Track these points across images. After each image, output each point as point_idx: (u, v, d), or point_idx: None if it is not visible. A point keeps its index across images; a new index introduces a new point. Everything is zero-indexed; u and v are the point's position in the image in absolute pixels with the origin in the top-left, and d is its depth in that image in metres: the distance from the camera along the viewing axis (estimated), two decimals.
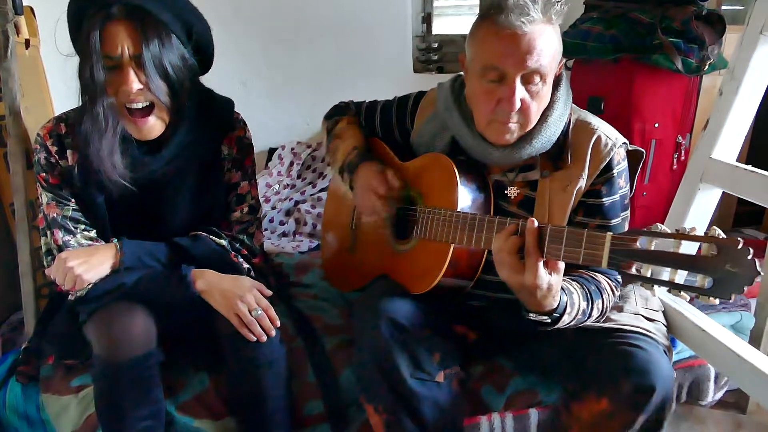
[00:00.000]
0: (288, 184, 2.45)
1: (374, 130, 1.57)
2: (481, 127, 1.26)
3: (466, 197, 1.29)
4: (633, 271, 0.95)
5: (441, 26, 2.87)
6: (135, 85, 1.21)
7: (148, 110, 1.26)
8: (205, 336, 1.35)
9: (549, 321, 1.13)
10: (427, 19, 2.71)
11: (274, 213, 2.33)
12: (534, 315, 1.13)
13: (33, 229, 1.69)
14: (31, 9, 1.92)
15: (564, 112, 1.27)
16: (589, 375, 1.17)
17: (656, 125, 2.06)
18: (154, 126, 1.28)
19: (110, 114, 1.24)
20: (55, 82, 1.94)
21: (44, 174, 1.33)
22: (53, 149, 1.32)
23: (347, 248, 1.63)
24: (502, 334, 1.42)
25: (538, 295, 1.07)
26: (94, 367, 1.25)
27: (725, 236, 0.87)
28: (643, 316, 1.33)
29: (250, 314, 1.26)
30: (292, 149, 2.57)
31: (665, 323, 1.38)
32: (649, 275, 0.93)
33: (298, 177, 2.49)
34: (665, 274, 0.91)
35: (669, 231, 0.92)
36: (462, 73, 1.34)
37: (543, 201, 1.28)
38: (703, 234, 0.88)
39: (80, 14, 1.23)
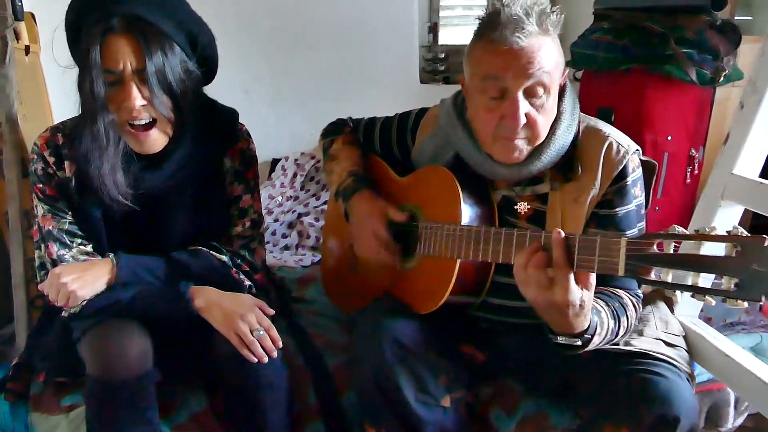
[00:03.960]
0: (291, 196, 2.41)
1: (373, 147, 1.53)
2: (487, 146, 1.22)
3: (469, 210, 1.25)
4: (652, 276, 0.90)
5: (447, 36, 2.84)
6: (138, 101, 1.17)
7: (150, 124, 1.21)
8: (202, 354, 1.30)
9: (579, 344, 1.07)
10: (434, 29, 2.69)
11: (276, 225, 2.30)
12: (564, 338, 1.07)
13: (27, 239, 1.66)
14: (32, 15, 1.90)
15: (572, 123, 1.23)
16: (607, 403, 1.12)
17: (669, 138, 2.02)
18: (157, 140, 1.23)
19: (111, 131, 1.20)
20: (56, 89, 1.91)
21: (41, 185, 1.29)
22: (50, 160, 1.28)
23: (348, 267, 1.58)
24: (511, 354, 1.36)
25: (569, 313, 1.01)
26: (86, 387, 1.20)
27: (748, 234, 0.82)
28: (663, 341, 1.28)
29: (252, 334, 1.21)
30: (296, 160, 2.54)
31: (686, 348, 1.33)
32: (670, 280, 0.89)
33: (302, 188, 2.46)
34: (687, 278, 0.87)
35: (688, 232, 0.88)
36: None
37: (555, 214, 1.24)
38: (725, 233, 0.84)
39: (78, 25, 1.19)
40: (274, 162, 2.64)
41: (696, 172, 2.08)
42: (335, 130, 1.58)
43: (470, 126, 1.27)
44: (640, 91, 1.98)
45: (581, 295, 1.00)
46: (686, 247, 0.87)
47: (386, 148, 1.51)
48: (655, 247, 0.91)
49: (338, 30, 2.57)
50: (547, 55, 1.13)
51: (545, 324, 1.08)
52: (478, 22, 1.18)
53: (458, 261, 1.21)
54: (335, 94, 2.61)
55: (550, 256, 1.00)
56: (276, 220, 2.32)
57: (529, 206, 1.27)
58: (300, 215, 2.36)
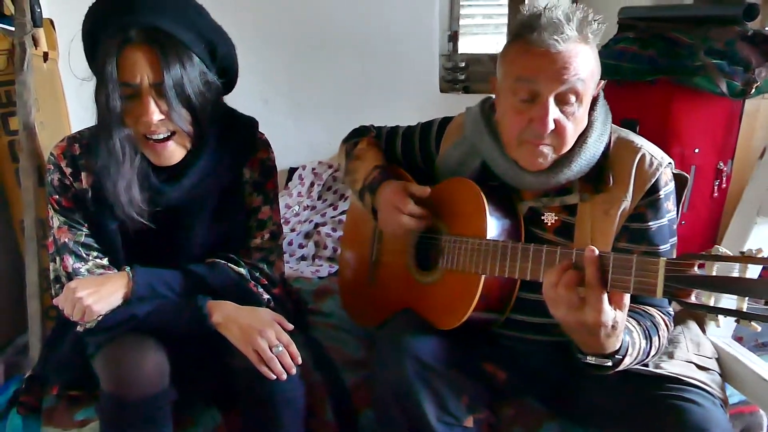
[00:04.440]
0: (308, 206, 2.39)
1: (394, 156, 1.50)
2: (511, 149, 1.19)
3: (495, 224, 1.22)
4: (693, 299, 0.87)
5: (467, 45, 2.81)
6: (156, 115, 1.14)
7: (168, 138, 1.19)
8: (218, 370, 1.28)
9: (610, 364, 1.03)
10: (454, 38, 2.66)
11: (293, 235, 2.27)
12: (593, 358, 1.03)
13: (42, 249, 1.65)
14: (51, 21, 1.89)
15: (603, 132, 1.20)
16: (638, 430, 1.09)
17: (696, 150, 1.97)
18: (175, 152, 1.21)
19: (128, 145, 1.17)
20: (73, 99, 1.90)
21: (57, 196, 1.27)
22: (67, 170, 1.26)
23: (366, 280, 1.56)
24: (534, 373, 1.32)
25: (601, 334, 0.97)
26: (100, 403, 1.18)
27: None
28: (695, 364, 1.23)
29: (271, 350, 1.18)
30: (313, 169, 2.52)
31: (719, 371, 1.28)
32: (712, 304, 0.85)
33: (319, 198, 2.43)
34: (730, 302, 0.83)
35: (731, 254, 0.84)
36: (491, 95, 1.28)
37: (583, 227, 1.20)
38: None
39: (96, 36, 1.16)
40: (292, 171, 2.62)
41: (724, 186, 2.03)
42: (357, 135, 1.56)
43: (497, 133, 1.24)
44: (667, 103, 1.94)
45: (614, 315, 0.97)
46: (729, 270, 0.83)
47: (408, 157, 1.48)
48: (696, 268, 0.87)
49: (358, 40, 2.55)
50: (584, 63, 1.10)
51: (573, 343, 1.05)
52: (517, 22, 1.15)
53: (483, 277, 1.18)
54: (354, 103, 2.59)
55: (582, 274, 0.97)
56: (292, 230, 2.29)
57: (556, 217, 1.24)
58: (317, 225, 2.34)
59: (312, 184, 2.46)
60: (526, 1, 2.68)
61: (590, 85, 1.13)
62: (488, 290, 1.20)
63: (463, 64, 2.64)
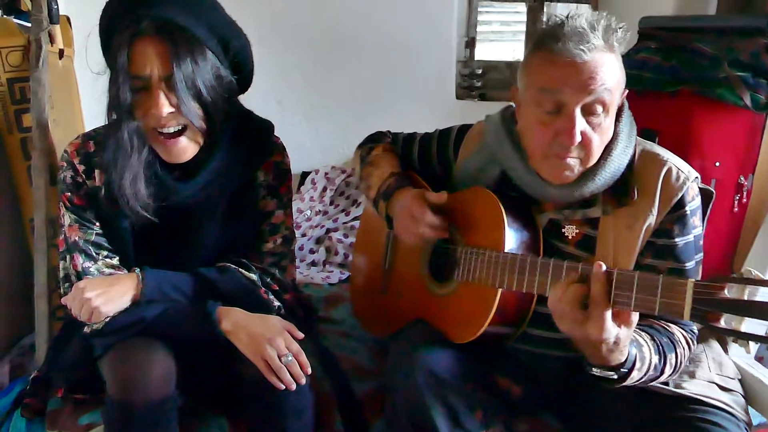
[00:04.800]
0: (320, 210, 2.36)
1: (411, 163, 1.48)
2: (536, 162, 1.17)
3: (513, 236, 1.20)
4: (722, 324, 0.84)
5: (483, 52, 2.79)
6: (165, 108, 1.13)
7: (179, 132, 1.18)
8: (226, 377, 1.26)
9: (615, 377, 1.02)
10: (470, 44, 2.64)
11: (304, 240, 2.25)
12: (598, 370, 1.02)
13: (51, 248, 1.63)
14: (67, 18, 1.88)
15: (629, 145, 1.17)
16: None
17: (717, 164, 1.93)
18: (186, 148, 1.19)
19: (136, 138, 1.16)
20: (88, 95, 1.89)
21: (69, 194, 1.26)
22: (80, 168, 1.25)
23: (378, 289, 1.53)
24: (550, 388, 1.30)
25: (603, 349, 0.97)
26: (106, 408, 1.16)
27: None
28: (717, 384, 1.20)
29: (280, 360, 1.15)
30: (326, 174, 2.50)
31: (742, 393, 1.25)
32: (743, 330, 0.82)
33: (331, 203, 2.41)
34: (763, 328, 0.81)
35: (764, 278, 0.82)
36: (512, 104, 1.25)
37: (606, 241, 1.17)
38: None
39: (111, 29, 1.16)
40: (304, 175, 2.60)
41: (744, 200, 1.99)
42: (373, 140, 1.54)
43: (519, 142, 1.22)
44: (688, 114, 1.90)
45: (617, 333, 0.95)
46: (763, 295, 0.80)
47: (425, 165, 1.46)
48: (726, 291, 0.84)
49: (375, 43, 2.53)
50: (610, 72, 1.08)
51: (583, 354, 1.03)
52: (540, 32, 1.14)
53: (500, 290, 1.16)
54: (369, 108, 2.57)
55: (588, 289, 0.96)
56: (303, 235, 2.27)
57: (577, 230, 1.21)
58: (328, 230, 2.31)
59: (324, 189, 2.44)
60: (545, 9, 2.65)
61: (616, 95, 1.11)
62: (505, 304, 1.18)
63: (479, 71, 2.62)
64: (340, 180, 2.47)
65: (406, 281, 1.45)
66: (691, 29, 1.96)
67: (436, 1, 2.48)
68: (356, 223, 2.30)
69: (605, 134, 1.12)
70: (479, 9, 2.67)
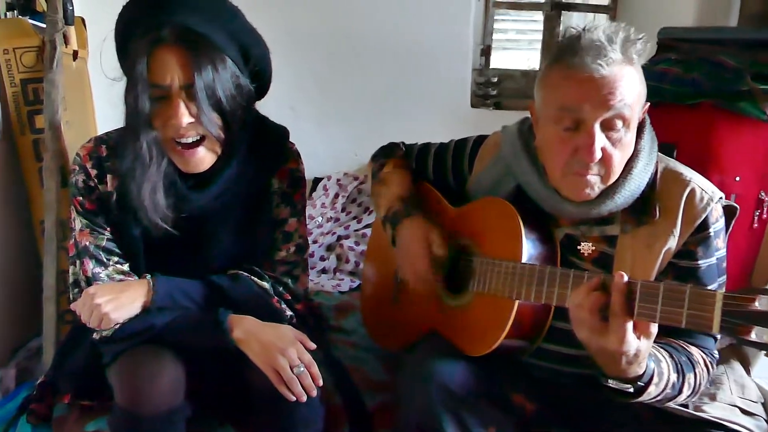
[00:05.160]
0: (331, 217, 2.34)
1: (425, 174, 1.46)
2: (555, 180, 1.14)
3: (530, 248, 1.17)
4: (753, 337, 0.82)
5: (497, 60, 2.77)
6: (185, 118, 1.11)
7: (197, 142, 1.16)
8: (235, 386, 1.23)
9: (632, 391, 0.99)
10: (486, 52, 2.62)
11: (315, 247, 2.23)
12: (614, 382, 0.99)
13: (61, 250, 1.61)
14: (82, 20, 1.88)
15: (650, 162, 1.14)
16: None
17: (737, 179, 1.89)
18: (204, 158, 1.17)
19: (155, 148, 1.14)
20: (101, 98, 1.88)
21: (80, 198, 1.24)
22: (93, 172, 1.23)
23: (390, 300, 1.50)
24: (565, 406, 1.26)
25: (621, 361, 0.94)
26: (113, 417, 1.14)
27: None
28: (739, 407, 1.18)
29: (291, 370, 1.13)
30: (338, 180, 2.47)
31: (766, 417, 1.22)
32: None
33: (343, 210, 2.38)
34: None
35: None
36: (528, 116, 1.23)
37: (623, 260, 1.15)
38: None
39: (128, 35, 1.14)
40: (316, 181, 2.59)
41: (765, 216, 1.96)
42: (386, 154, 1.52)
43: (536, 157, 1.19)
44: (708, 128, 1.87)
45: (637, 345, 0.93)
46: None
47: (440, 176, 1.44)
48: (757, 303, 0.82)
49: (390, 50, 2.51)
50: (630, 86, 1.05)
51: (597, 365, 1.01)
52: (556, 46, 1.11)
53: (516, 302, 1.13)
54: (382, 115, 2.55)
55: (609, 299, 0.94)
56: (314, 242, 2.25)
57: (594, 247, 1.18)
58: (340, 238, 2.29)
59: (336, 196, 2.42)
60: (561, 18, 2.63)
61: (636, 109, 1.08)
62: (521, 316, 1.15)
63: (495, 80, 2.60)
64: (352, 187, 2.44)
65: (418, 291, 1.41)
66: (713, 41, 1.93)
67: (454, 8, 2.46)
68: (368, 231, 2.28)
69: (626, 150, 1.09)
70: (495, 17, 2.65)
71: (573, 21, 2.66)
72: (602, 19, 2.59)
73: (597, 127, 1.05)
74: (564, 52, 1.07)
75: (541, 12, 2.68)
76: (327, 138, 2.59)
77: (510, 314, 1.14)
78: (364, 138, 2.48)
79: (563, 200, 1.15)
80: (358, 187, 2.46)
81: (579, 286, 1.00)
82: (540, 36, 2.73)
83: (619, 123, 1.05)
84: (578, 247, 1.19)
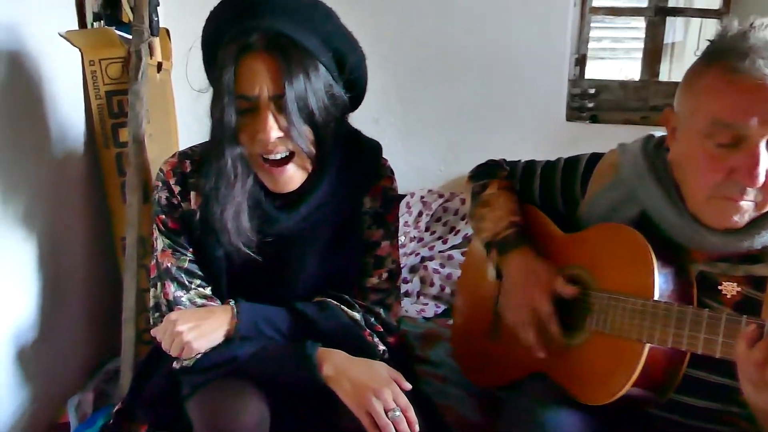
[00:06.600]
0: (414, 237, 2.22)
1: (530, 197, 1.33)
2: (696, 203, 1.00)
3: (664, 285, 1.02)
4: None
5: (593, 70, 2.59)
6: (274, 132, 1.02)
7: (287, 159, 1.07)
8: (321, 428, 1.14)
9: None
10: (581, 62, 2.45)
11: None
12: None
13: (141, 269, 1.57)
14: (167, 31, 1.86)
15: None
16: None
17: None
18: (294, 176, 1.09)
19: (240, 166, 1.07)
20: (185, 112, 1.85)
21: (164, 216, 1.17)
22: (176, 189, 1.17)
23: (488, 334, 1.37)
24: None
25: None
26: None
27: None
28: None
29: (386, 414, 1.02)
30: (422, 197, 2.36)
31: None
32: None
33: (427, 229, 2.26)
34: None
35: None
36: (653, 133, 1.12)
37: None
38: None
39: (215, 43, 1.07)
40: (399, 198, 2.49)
41: None
42: (487, 173, 1.39)
43: (666, 180, 1.05)
44: None
45: None
46: None
47: (546, 199, 1.30)
48: None
49: (480, 61, 2.38)
50: None
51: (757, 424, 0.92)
52: (714, 46, 0.96)
53: (647, 346, 0.99)
54: (471, 129, 2.41)
55: None
56: None
57: (738, 289, 1.02)
58: (423, 259, 2.17)
59: (420, 214, 2.30)
60: (666, 25, 2.42)
61: None
62: (652, 362, 1.00)
63: (592, 91, 2.44)
64: (437, 205, 2.32)
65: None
66: None
67: (550, 13, 2.31)
68: (454, 253, 2.15)
69: None
70: (591, 24, 2.48)
71: (677, 26, 2.46)
72: (711, 24, 2.37)
73: (762, 146, 0.90)
74: (724, 53, 0.93)
75: (642, 18, 2.49)
76: (411, 152, 2.49)
77: (639, 359, 1.00)
78: (450, 153, 2.40)
79: (703, 228, 1.00)
80: (444, 205, 2.33)
81: (732, 337, 0.86)
82: (639, 44, 2.54)
83: None
84: (719, 288, 1.03)
